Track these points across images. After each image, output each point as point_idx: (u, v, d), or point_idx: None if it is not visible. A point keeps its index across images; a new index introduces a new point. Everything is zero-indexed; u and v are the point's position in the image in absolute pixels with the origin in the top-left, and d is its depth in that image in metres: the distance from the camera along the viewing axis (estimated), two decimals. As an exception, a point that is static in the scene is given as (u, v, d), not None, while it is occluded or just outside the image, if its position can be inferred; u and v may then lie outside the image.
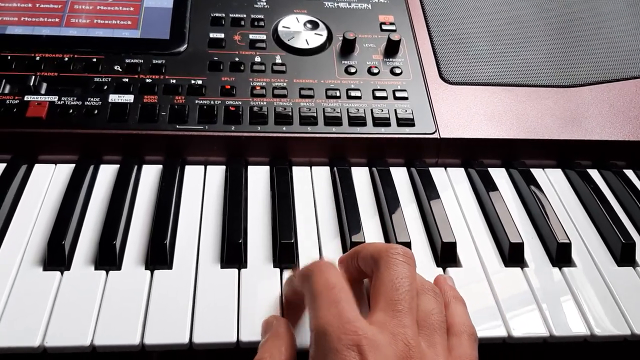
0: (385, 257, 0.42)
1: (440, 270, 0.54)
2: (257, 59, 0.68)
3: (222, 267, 0.52)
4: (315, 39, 0.71)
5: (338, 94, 0.66)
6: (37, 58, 0.65)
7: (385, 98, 0.66)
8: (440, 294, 0.44)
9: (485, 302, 0.51)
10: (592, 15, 0.80)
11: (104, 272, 0.50)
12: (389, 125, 0.64)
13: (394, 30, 0.74)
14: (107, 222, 0.53)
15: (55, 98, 0.62)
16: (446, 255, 0.54)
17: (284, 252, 0.52)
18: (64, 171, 0.60)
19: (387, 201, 0.59)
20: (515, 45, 0.75)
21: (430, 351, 0.39)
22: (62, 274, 0.50)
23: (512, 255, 0.55)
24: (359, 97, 0.66)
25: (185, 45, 0.68)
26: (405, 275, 0.41)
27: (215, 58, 0.68)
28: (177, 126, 0.61)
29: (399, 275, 0.41)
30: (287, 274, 0.51)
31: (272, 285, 0.50)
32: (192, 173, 0.61)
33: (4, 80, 0.62)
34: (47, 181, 0.59)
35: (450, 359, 0.40)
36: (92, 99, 0.62)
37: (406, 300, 0.40)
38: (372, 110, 0.65)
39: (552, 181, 0.66)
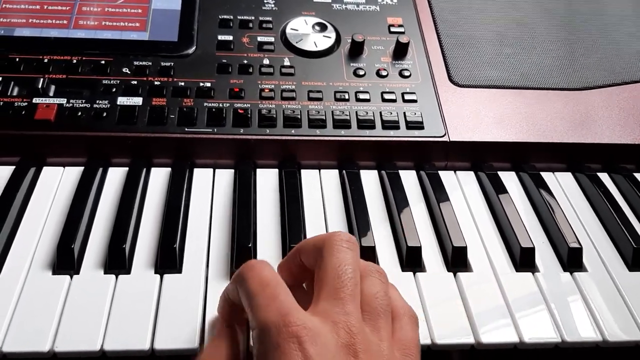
0: (328, 245, 0.41)
1: (451, 275, 0.54)
2: (266, 62, 0.68)
3: (232, 270, 0.51)
4: (323, 41, 0.71)
5: (347, 97, 0.66)
6: (46, 60, 0.65)
7: (394, 101, 0.66)
8: (385, 276, 0.43)
9: (496, 307, 0.51)
10: (601, 17, 0.79)
11: (113, 276, 0.50)
12: (398, 128, 0.64)
13: (403, 33, 0.73)
14: (116, 226, 0.53)
15: (63, 100, 0.62)
16: (457, 259, 0.54)
17: (294, 256, 0.52)
18: (73, 174, 0.60)
19: (397, 205, 0.58)
20: (524, 48, 0.74)
21: (374, 336, 0.38)
22: (71, 277, 0.49)
23: (523, 260, 0.55)
24: (367, 100, 0.66)
25: (194, 48, 0.68)
26: (348, 262, 0.40)
27: (224, 60, 0.67)
28: (186, 129, 0.61)
29: (341, 262, 0.40)
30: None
31: (282, 289, 0.50)
32: (201, 176, 0.61)
33: (12, 83, 0.62)
34: (56, 184, 0.59)
35: (393, 343, 0.39)
36: (100, 102, 0.62)
37: (349, 287, 0.39)
38: (381, 113, 0.65)
39: (562, 185, 0.66)
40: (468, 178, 0.65)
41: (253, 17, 0.73)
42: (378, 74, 0.69)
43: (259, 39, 0.70)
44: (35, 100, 0.61)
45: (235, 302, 0.42)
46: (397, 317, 0.41)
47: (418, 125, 0.64)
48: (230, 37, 0.70)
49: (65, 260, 0.50)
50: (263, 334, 0.37)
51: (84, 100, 0.62)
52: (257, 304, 0.38)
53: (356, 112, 0.64)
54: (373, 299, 0.40)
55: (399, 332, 0.41)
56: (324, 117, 0.63)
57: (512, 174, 0.66)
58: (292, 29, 0.72)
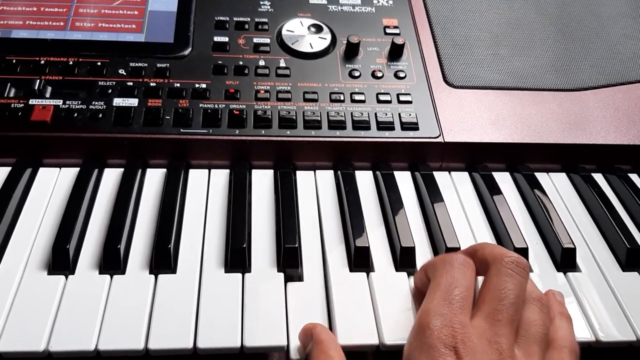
0: (497, 264, 0.43)
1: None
2: (261, 63, 0.68)
3: (226, 271, 0.52)
4: (319, 42, 0.71)
5: (342, 98, 0.66)
6: (42, 62, 0.65)
7: (389, 102, 0.66)
8: (547, 307, 0.44)
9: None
10: (596, 19, 0.79)
11: (108, 276, 0.50)
12: (393, 129, 0.64)
13: (398, 34, 0.74)
14: (111, 226, 0.53)
15: (60, 102, 0.62)
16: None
17: (288, 256, 0.52)
18: (69, 175, 0.60)
19: (391, 205, 0.59)
20: (519, 49, 0.74)
21: None
22: (66, 278, 0.50)
23: (517, 260, 0.55)
24: (363, 101, 0.66)
25: (190, 49, 0.69)
26: (512, 287, 0.42)
27: (220, 62, 0.68)
28: (182, 130, 0.61)
29: (506, 286, 0.42)
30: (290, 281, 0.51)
31: (276, 289, 0.50)
32: (196, 177, 0.61)
33: (9, 84, 0.62)
34: (52, 185, 0.59)
35: None
36: (96, 103, 0.62)
37: (508, 312, 0.41)
38: (376, 114, 0.65)
39: (557, 185, 0.66)
40: (462, 179, 0.65)
41: (249, 19, 0.73)
42: (373, 75, 0.69)
43: (255, 40, 0.71)
44: (32, 101, 0.61)
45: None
46: (558, 348, 0.43)
47: (413, 126, 0.64)
48: (226, 39, 0.70)
49: (61, 260, 0.50)
50: (424, 330, 0.40)
51: (80, 102, 0.62)
52: (435, 297, 0.42)
53: (351, 113, 0.65)
54: (531, 326, 0.42)
55: None
56: (319, 118, 0.64)
57: (507, 175, 0.67)
58: (287, 30, 0.72)
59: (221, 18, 0.72)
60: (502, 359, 0.39)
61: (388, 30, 0.74)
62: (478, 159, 0.66)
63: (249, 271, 0.52)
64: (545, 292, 0.49)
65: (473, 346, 0.39)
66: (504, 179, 0.65)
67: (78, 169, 0.60)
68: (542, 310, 0.43)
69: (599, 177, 0.67)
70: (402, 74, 0.69)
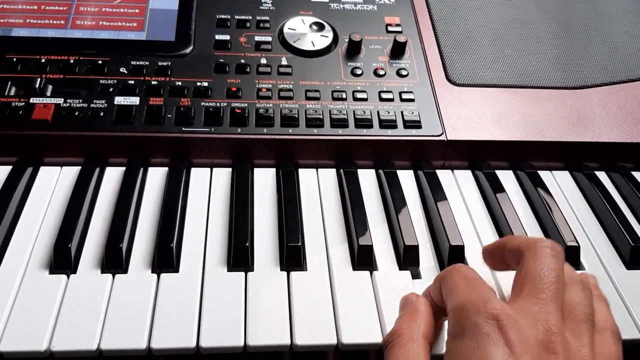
0: (532, 249, 0.42)
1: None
2: (263, 61, 0.68)
3: (228, 270, 0.51)
4: (321, 40, 0.71)
5: (344, 96, 0.66)
6: (43, 60, 0.65)
7: (391, 100, 0.66)
8: (589, 288, 0.43)
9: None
10: (598, 16, 0.79)
11: (110, 275, 0.50)
12: (395, 127, 0.64)
13: (400, 32, 0.73)
14: (113, 225, 0.53)
15: (60, 100, 0.62)
16: (454, 258, 0.54)
17: (291, 255, 0.52)
18: (70, 174, 0.60)
19: (394, 203, 0.58)
20: (522, 47, 0.74)
21: (575, 341, 0.38)
22: (68, 277, 0.49)
23: (521, 259, 0.55)
24: (365, 99, 0.66)
25: (191, 47, 0.68)
26: (552, 267, 0.40)
27: (221, 60, 0.67)
28: (183, 128, 0.61)
29: (545, 266, 0.40)
30: (294, 277, 0.51)
31: (279, 288, 0.50)
32: (198, 175, 0.61)
33: (9, 83, 0.62)
34: (53, 184, 0.59)
35: (596, 354, 0.39)
36: (97, 101, 0.62)
37: (551, 290, 0.39)
38: (378, 112, 0.65)
39: (560, 183, 0.66)
40: (465, 177, 0.65)
41: (250, 17, 0.73)
42: (375, 73, 0.69)
43: (257, 38, 0.70)
44: (33, 100, 0.61)
45: (435, 303, 0.43)
46: (600, 330, 0.41)
47: (415, 125, 0.64)
48: (228, 37, 0.70)
49: (62, 259, 0.50)
50: (461, 313, 0.37)
51: (81, 100, 0.62)
52: (458, 291, 0.39)
53: (354, 111, 0.64)
54: (575, 307, 0.40)
55: (601, 344, 0.40)
56: (321, 117, 0.63)
57: (510, 173, 0.66)
58: (289, 28, 0.72)
59: (222, 16, 0.72)
60: (551, 335, 0.36)
61: (390, 28, 0.74)
62: (481, 157, 0.66)
63: (252, 270, 0.51)
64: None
65: (517, 320, 0.36)
66: (507, 177, 0.65)
67: (79, 167, 0.60)
68: (585, 292, 0.42)
69: (602, 175, 0.67)
70: (404, 72, 0.69)
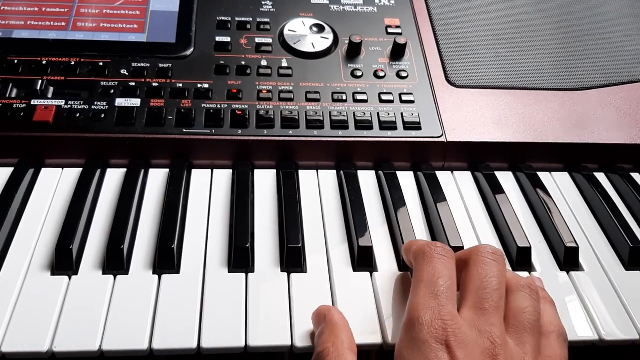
0: (474, 257, 0.43)
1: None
2: (264, 63, 0.68)
3: (229, 271, 0.52)
4: (321, 42, 0.71)
5: (344, 98, 0.66)
6: (44, 62, 0.65)
7: (391, 102, 0.66)
8: (536, 292, 0.44)
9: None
10: (597, 18, 0.79)
11: (111, 276, 0.50)
12: (395, 128, 0.64)
13: (400, 34, 0.74)
14: (114, 227, 0.53)
15: (62, 102, 0.62)
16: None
17: (291, 256, 0.52)
18: (71, 175, 0.60)
19: (394, 205, 0.59)
20: (521, 49, 0.74)
21: (519, 349, 0.40)
22: (70, 278, 0.50)
23: (520, 260, 0.55)
24: (365, 101, 0.66)
25: (192, 49, 0.68)
26: (493, 275, 0.42)
27: (222, 62, 0.68)
28: (184, 130, 0.61)
29: (487, 274, 0.42)
30: (294, 278, 0.51)
31: (280, 289, 0.50)
32: (199, 177, 0.61)
33: (11, 85, 0.62)
34: (55, 185, 0.59)
35: (540, 359, 0.41)
36: (98, 103, 0.62)
37: (493, 299, 0.41)
38: (378, 113, 0.65)
39: (559, 185, 0.66)
40: (465, 178, 0.65)
41: (251, 19, 0.73)
42: (375, 74, 0.69)
43: (257, 40, 0.71)
44: (34, 102, 0.61)
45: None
46: (546, 333, 0.43)
47: (415, 126, 0.64)
48: (228, 39, 0.70)
49: (64, 261, 0.50)
50: (414, 325, 0.39)
51: (82, 102, 0.62)
52: (420, 292, 0.41)
53: (354, 112, 0.65)
54: (520, 313, 0.42)
55: (546, 348, 0.42)
56: (321, 118, 0.64)
57: (509, 174, 0.67)
58: (289, 30, 0.72)
59: (223, 18, 0.72)
60: (495, 347, 0.39)
61: (390, 30, 0.74)
62: (480, 159, 0.66)
63: (253, 271, 0.52)
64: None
65: (465, 338, 0.38)
66: (506, 179, 0.65)
67: (80, 169, 0.60)
68: (532, 297, 0.43)
69: (601, 177, 0.67)
70: (404, 74, 0.69)
